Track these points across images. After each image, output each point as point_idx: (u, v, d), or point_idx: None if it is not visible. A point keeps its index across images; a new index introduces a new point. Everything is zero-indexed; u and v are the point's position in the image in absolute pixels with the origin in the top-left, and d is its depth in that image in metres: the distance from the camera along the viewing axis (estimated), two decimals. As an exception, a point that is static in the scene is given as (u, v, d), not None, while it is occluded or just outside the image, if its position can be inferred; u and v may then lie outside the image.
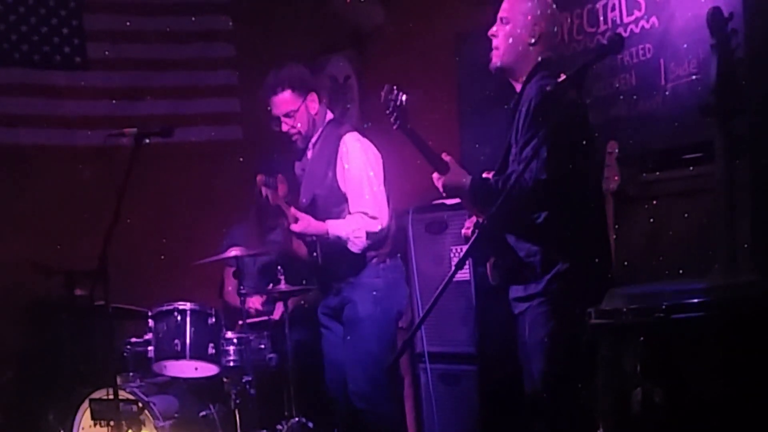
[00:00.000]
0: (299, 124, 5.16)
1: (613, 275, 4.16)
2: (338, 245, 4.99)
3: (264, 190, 5.09)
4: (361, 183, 5.03)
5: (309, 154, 5.26)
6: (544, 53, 4.19)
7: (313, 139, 5.23)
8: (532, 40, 4.16)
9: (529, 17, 4.16)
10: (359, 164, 5.05)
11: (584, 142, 4.05)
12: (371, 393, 5.03)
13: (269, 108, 5.20)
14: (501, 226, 4.01)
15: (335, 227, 4.99)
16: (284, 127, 5.18)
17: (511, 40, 4.16)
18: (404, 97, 4.11)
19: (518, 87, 4.21)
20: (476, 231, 4.14)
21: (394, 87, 4.13)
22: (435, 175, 4.17)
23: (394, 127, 4.17)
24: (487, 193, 3.97)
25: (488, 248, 4.12)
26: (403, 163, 5.14)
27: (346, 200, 5.06)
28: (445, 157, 4.13)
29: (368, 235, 4.98)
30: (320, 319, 5.30)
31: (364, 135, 5.17)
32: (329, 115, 5.28)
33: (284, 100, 5.16)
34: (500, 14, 4.21)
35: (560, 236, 3.94)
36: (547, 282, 3.98)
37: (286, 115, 5.16)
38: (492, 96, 4.39)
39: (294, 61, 5.35)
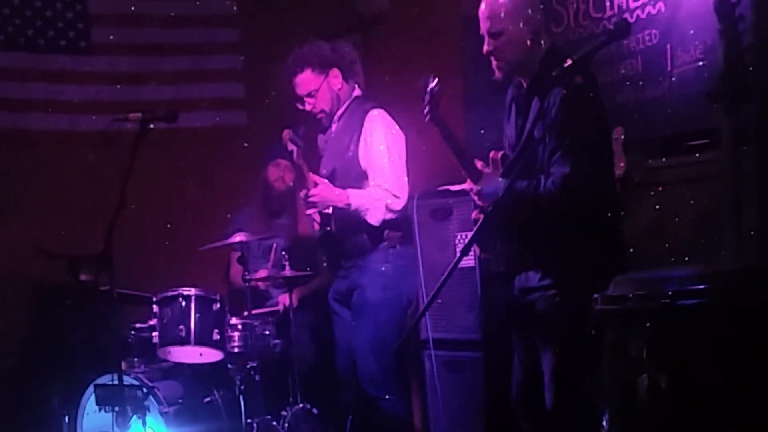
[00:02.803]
0: (321, 103, 5.16)
1: (626, 265, 4.14)
2: (351, 222, 4.98)
3: (289, 145, 5.08)
4: (383, 159, 5.03)
5: (333, 127, 5.25)
6: (546, 40, 4.15)
7: (339, 113, 5.22)
8: (530, 37, 4.09)
9: (520, 18, 4.08)
10: (382, 141, 5.04)
11: (603, 131, 4.05)
12: (382, 379, 5.04)
13: (293, 88, 5.20)
14: (513, 214, 3.97)
15: (357, 196, 4.99)
16: (308, 107, 5.17)
17: (510, 49, 4.09)
18: (435, 84, 4.11)
19: (525, 81, 4.17)
20: (482, 217, 4.14)
21: (431, 75, 4.11)
22: (467, 185, 4.13)
23: (426, 119, 4.16)
24: (520, 200, 3.93)
25: (495, 234, 4.10)
26: (408, 148, 5.14)
27: (366, 177, 5.06)
28: (478, 163, 4.09)
29: (389, 208, 4.98)
30: (331, 305, 5.31)
31: (389, 113, 5.16)
32: (357, 91, 5.26)
33: (305, 80, 5.15)
34: (488, 30, 4.11)
35: (575, 226, 3.92)
36: (560, 272, 3.96)
37: (309, 95, 5.15)
38: (497, 81, 4.37)
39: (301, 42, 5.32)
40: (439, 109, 4.15)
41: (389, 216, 5.01)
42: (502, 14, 4.08)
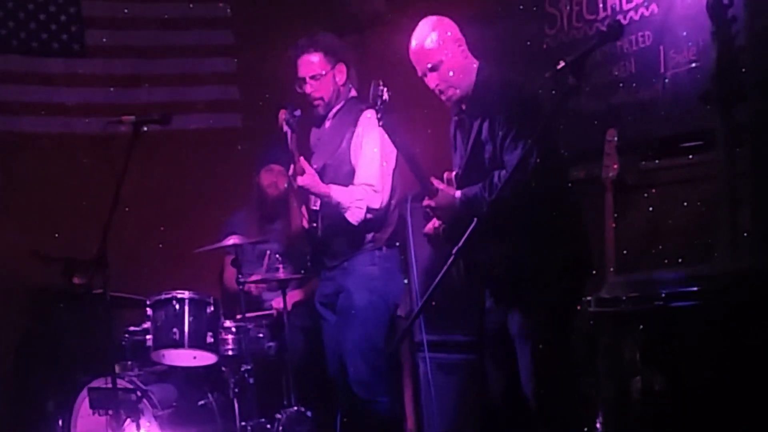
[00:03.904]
0: (323, 90, 5.16)
1: (592, 262, 4.17)
2: (338, 220, 4.99)
3: (284, 126, 5.07)
4: (372, 157, 5.04)
5: (327, 123, 5.27)
6: (475, 61, 4.26)
7: (334, 110, 5.23)
8: (464, 58, 4.23)
9: (451, 45, 4.21)
10: (374, 140, 5.05)
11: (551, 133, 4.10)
12: (373, 381, 5.04)
13: (296, 69, 5.18)
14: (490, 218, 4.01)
15: (338, 192, 5.00)
16: (308, 89, 5.16)
17: (454, 76, 4.21)
18: (386, 93, 4.15)
19: (464, 105, 4.26)
20: (475, 220, 4.15)
21: (380, 82, 4.15)
22: (425, 201, 4.20)
23: (379, 124, 4.21)
24: (477, 203, 3.99)
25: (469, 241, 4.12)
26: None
27: (354, 174, 5.06)
28: (435, 181, 4.16)
29: (368, 209, 4.99)
30: (317, 309, 5.31)
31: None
32: (353, 92, 5.27)
33: (313, 62, 5.15)
34: (424, 69, 4.23)
35: (539, 226, 3.96)
36: (529, 274, 3.99)
37: (312, 77, 5.15)
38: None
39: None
40: (390, 117, 4.18)
41: (369, 216, 5.02)
42: (435, 46, 4.21)
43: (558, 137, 4.17)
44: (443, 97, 4.25)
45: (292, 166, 5.06)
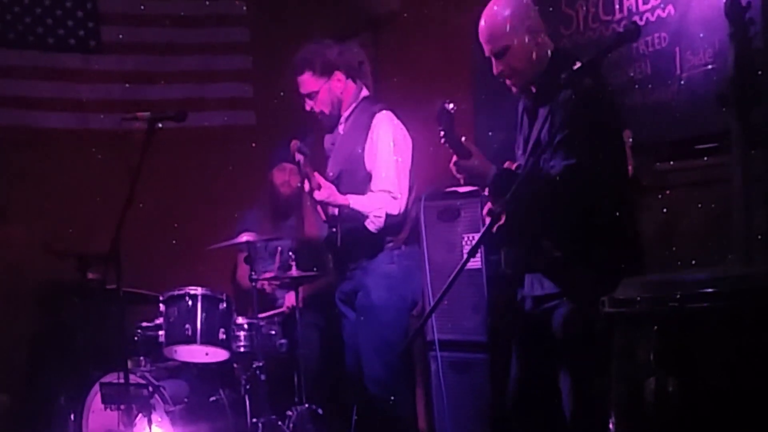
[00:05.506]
0: (321, 105, 5.14)
1: (644, 264, 4.10)
2: (357, 224, 4.98)
3: (297, 155, 5.07)
4: (388, 162, 5.01)
5: (341, 128, 5.23)
6: (549, 45, 4.11)
7: (346, 114, 5.19)
8: (535, 46, 4.06)
9: (521, 29, 4.03)
10: (388, 143, 5.02)
11: (613, 130, 4.01)
12: (387, 379, 5.03)
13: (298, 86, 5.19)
14: (524, 216, 3.93)
15: (357, 202, 4.97)
16: (307, 107, 5.17)
17: (519, 63, 4.04)
18: (452, 107, 4.03)
19: (534, 89, 4.12)
20: (490, 218, 4.11)
21: (447, 100, 4.04)
22: (454, 159, 4.02)
23: (443, 141, 4.01)
24: (511, 184, 3.89)
25: (504, 237, 4.06)
26: (415, 150, 5.13)
27: (371, 179, 5.05)
28: (466, 143, 4.02)
29: (388, 216, 4.97)
30: (337, 305, 5.30)
31: (397, 115, 5.14)
32: (364, 92, 5.24)
33: (305, 82, 5.14)
34: (492, 52, 4.07)
35: (587, 228, 3.89)
36: (575, 278, 3.92)
37: (308, 96, 5.14)
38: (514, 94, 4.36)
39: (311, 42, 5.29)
40: (453, 131, 4.07)
41: (388, 222, 5.00)
42: (502, 30, 4.03)
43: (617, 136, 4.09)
44: (507, 83, 4.12)
45: (307, 182, 5.04)
